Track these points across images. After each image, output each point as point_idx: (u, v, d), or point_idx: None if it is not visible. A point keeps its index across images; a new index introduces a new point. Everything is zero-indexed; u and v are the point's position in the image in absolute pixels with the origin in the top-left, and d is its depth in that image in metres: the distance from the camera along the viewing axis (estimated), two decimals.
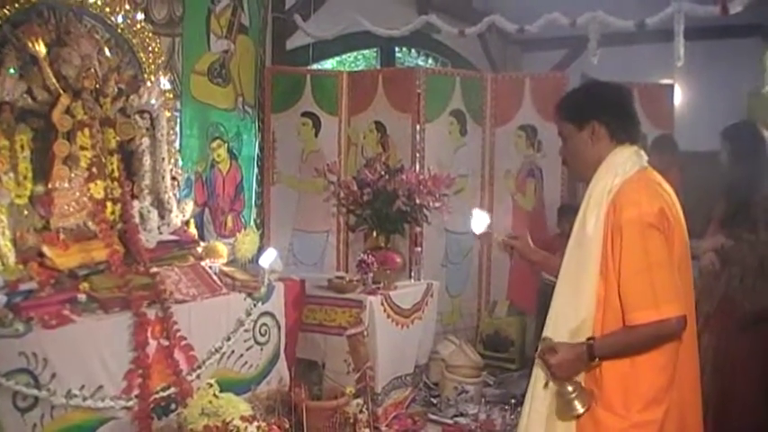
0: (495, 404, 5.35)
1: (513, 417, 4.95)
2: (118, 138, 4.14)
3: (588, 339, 2.53)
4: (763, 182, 4.28)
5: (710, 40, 7.49)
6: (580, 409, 2.53)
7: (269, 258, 4.36)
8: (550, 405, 2.63)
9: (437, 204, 5.38)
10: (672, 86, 7.17)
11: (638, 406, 2.51)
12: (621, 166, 2.62)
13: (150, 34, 4.53)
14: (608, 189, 2.58)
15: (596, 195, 2.61)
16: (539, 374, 2.67)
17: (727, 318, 4.28)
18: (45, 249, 3.69)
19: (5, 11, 3.71)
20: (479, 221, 3.25)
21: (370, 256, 5.08)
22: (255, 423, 3.52)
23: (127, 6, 4.38)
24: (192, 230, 4.59)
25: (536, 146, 6.53)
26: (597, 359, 2.53)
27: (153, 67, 4.52)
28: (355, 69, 7.89)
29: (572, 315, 2.59)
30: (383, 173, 5.40)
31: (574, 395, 2.54)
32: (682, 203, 2.67)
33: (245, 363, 4.24)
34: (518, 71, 9.16)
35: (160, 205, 4.36)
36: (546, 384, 2.62)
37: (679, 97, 7.67)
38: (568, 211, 5.21)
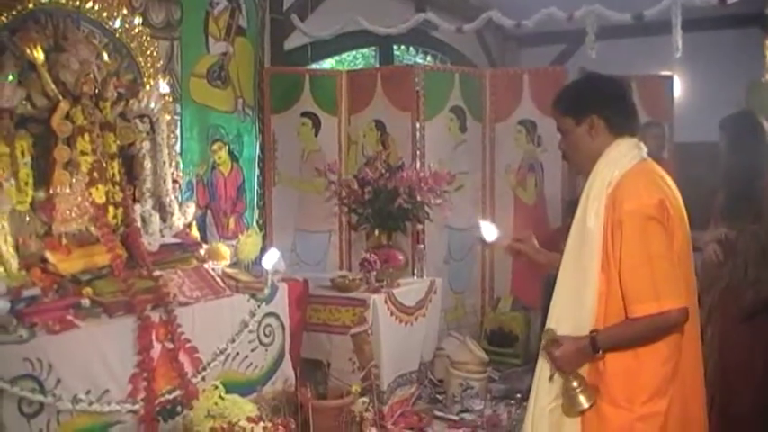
0: (500, 399, 5.35)
1: (518, 412, 4.95)
2: (118, 142, 4.15)
3: (591, 332, 2.54)
4: (763, 171, 4.28)
5: (709, 30, 7.48)
6: (585, 404, 2.54)
7: (272, 259, 4.36)
8: (556, 401, 2.64)
9: (438, 201, 5.40)
10: (671, 78, 7.17)
11: (641, 398, 2.51)
12: (621, 158, 2.62)
13: (148, 38, 4.52)
14: (607, 182, 2.58)
15: (596, 189, 2.61)
16: (543, 368, 2.67)
17: (730, 308, 4.28)
18: (48, 255, 3.69)
19: (2, 18, 3.70)
20: (489, 231, 3.23)
21: (372, 255, 5.09)
22: (261, 423, 3.54)
23: (124, 11, 4.37)
24: (195, 233, 4.59)
25: (536, 141, 6.53)
26: (600, 351, 2.53)
27: (152, 70, 4.52)
28: (354, 68, 7.88)
29: (573, 309, 2.60)
30: (384, 171, 5.41)
31: (578, 390, 2.55)
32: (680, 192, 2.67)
33: (250, 364, 4.24)
34: (516, 66, 9.16)
35: (162, 208, 4.36)
36: (551, 377, 2.63)
37: (678, 88, 7.67)
38: (573, 208, 5.22)
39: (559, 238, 3.35)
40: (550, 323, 2.65)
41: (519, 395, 5.22)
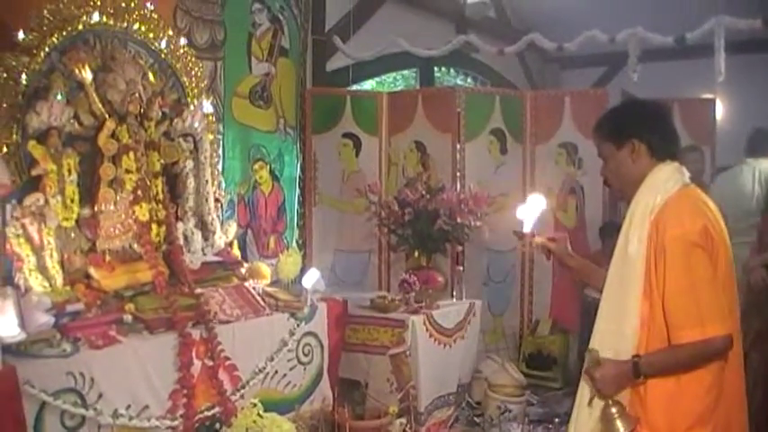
0: (538, 423, 5.30)
1: None
2: (162, 161, 4.19)
3: (634, 357, 2.52)
4: None
5: (751, 53, 7.42)
6: (622, 430, 2.51)
7: (311, 278, 4.38)
8: (595, 426, 2.61)
9: (478, 223, 5.38)
10: (713, 101, 7.10)
11: (683, 426, 2.48)
12: (663, 184, 2.60)
13: (193, 58, 4.59)
14: (650, 208, 2.56)
15: (639, 214, 2.59)
16: (584, 392, 2.65)
17: None
18: (91, 271, 3.75)
19: (53, 39, 3.78)
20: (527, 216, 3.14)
21: (411, 276, 5.09)
22: None
23: (170, 32, 4.44)
24: (236, 251, 4.63)
25: (577, 163, 6.49)
26: (642, 377, 2.51)
27: (196, 90, 4.57)
28: (395, 90, 7.92)
29: (616, 334, 2.57)
30: (424, 192, 5.42)
31: (616, 416, 2.53)
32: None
33: (289, 382, 4.26)
34: (557, 89, 9.13)
35: (204, 227, 4.40)
36: (590, 401, 2.61)
37: (720, 112, 7.59)
38: (611, 229, 5.18)
39: (599, 260, 3.33)
40: (593, 345, 2.63)
41: (557, 419, 5.18)
